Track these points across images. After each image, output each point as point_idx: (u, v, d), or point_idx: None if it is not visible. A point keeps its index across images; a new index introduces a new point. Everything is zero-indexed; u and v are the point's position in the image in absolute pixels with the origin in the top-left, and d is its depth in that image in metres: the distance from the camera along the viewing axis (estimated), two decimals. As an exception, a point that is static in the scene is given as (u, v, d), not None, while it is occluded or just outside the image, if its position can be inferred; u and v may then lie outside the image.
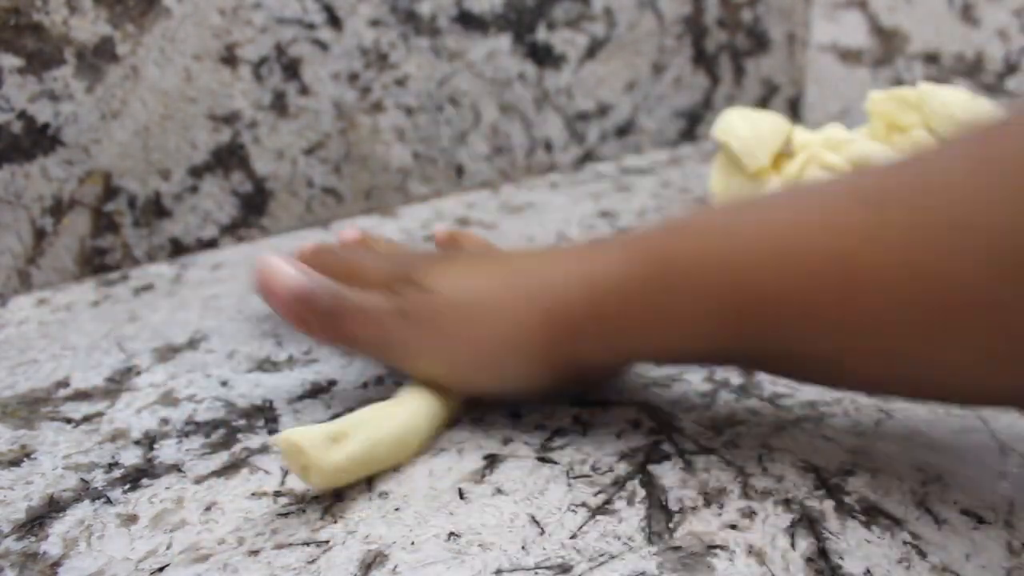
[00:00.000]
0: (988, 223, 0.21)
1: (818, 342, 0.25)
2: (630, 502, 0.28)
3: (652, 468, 0.29)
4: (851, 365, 0.25)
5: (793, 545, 0.26)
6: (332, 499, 0.28)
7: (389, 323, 0.31)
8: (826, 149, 0.50)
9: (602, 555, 0.25)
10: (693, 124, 0.75)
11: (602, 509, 0.27)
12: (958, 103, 0.45)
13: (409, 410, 0.31)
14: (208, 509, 0.28)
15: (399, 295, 0.31)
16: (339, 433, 0.28)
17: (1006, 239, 0.21)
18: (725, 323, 0.26)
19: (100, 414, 0.34)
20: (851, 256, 0.23)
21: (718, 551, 0.25)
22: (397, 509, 0.28)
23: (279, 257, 0.32)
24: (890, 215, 0.23)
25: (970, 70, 0.67)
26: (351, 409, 0.34)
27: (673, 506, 0.27)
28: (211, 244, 0.52)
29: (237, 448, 0.32)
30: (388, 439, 0.29)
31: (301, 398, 0.35)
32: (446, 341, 0.30)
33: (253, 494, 0.29)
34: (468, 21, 0.59)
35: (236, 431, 0.33)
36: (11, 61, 0.44)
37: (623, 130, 0.71)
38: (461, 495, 0.28)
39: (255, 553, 0.26)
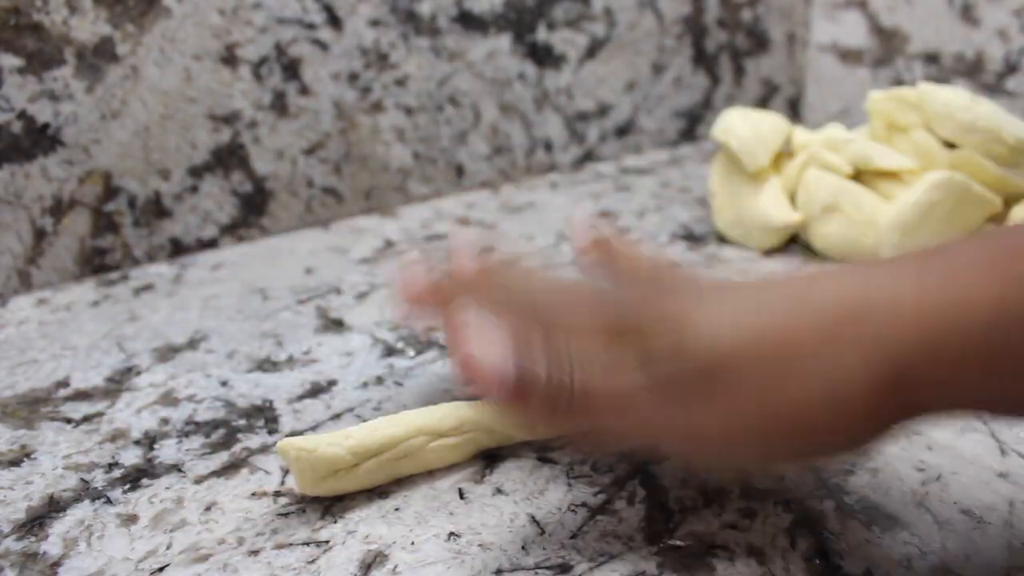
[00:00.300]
0: None
1: None
2: (630, 502, 0.28)
3: (652, 468, 0.29)
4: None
5: (793, 545, 0.26)
6: (332, 499, 0.28)
7: (647, 406, 0.23)
8: (826, 149, 0.50)
9: (602, 555, 0.25)
10: (693, 124, 0.75)
11: (602, 509, 0.27)
12: (958, 103, 0.45)
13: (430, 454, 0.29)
14: (208, 509, 0.28)
15: (652, 360, 0.23)
16: (343, 462, 0.28)
17: None
18: None
19: (100, 414, 0.34)
20: None
21: (718, 551, 0.25)
22: (397, 509, 0.28)
23: (477, 329, 0.24)
24: None
25: (970, 70, 0.67)
26: (351, 409, 0.34)
27: (673, 506, 0.27)
28: (211, 244, 0.52)
29: (237, 448, 0.32)
30: (389, 477, 0.29)
31: (301, 398, 0.35)
32: (741, 412, 0.22)
33: (253, 494, 0.29)
34: (468, 21, 0.59)
35: (236, 431, 0.33)
36: (11, 61, 0.44)
37: (623, 130, 0.71)
38: (461, 495, 0.28)
39: (255, 553, 0.26)
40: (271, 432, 0.33)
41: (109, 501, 0.29)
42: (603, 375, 0.23)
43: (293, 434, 0.32)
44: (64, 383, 0.37)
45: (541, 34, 0.63)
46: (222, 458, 0.31)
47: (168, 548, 0.26)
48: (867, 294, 0.22)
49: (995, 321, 0.21)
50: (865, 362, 0.21)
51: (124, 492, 0.29)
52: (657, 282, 0.27)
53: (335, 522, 0.27)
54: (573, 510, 0.27)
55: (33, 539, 0.27)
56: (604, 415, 0.24)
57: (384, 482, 0.29)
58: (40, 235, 0.47)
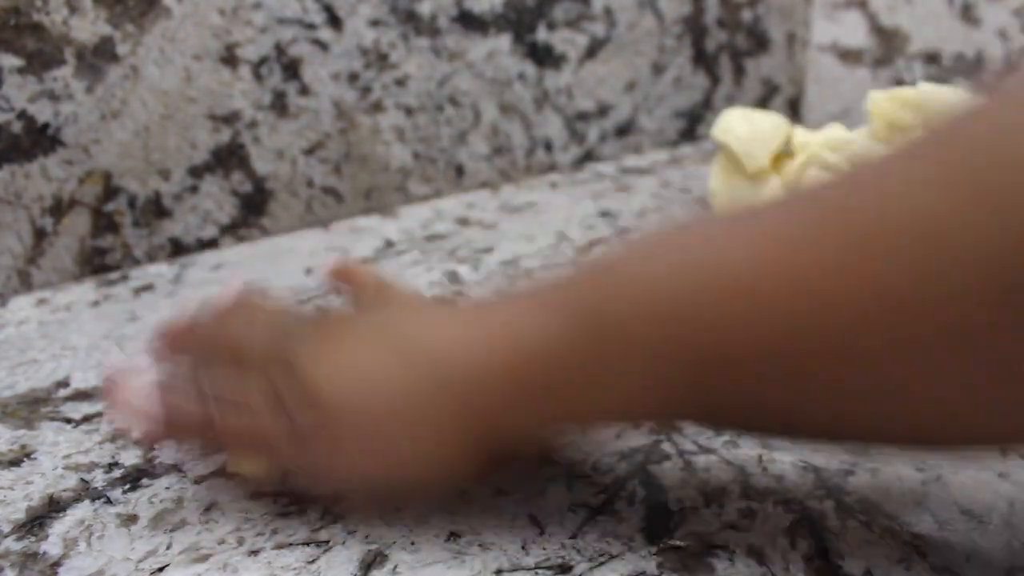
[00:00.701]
0: (964, 242, 0.18)
1: (789, 391, 0.22)
2: (630, 502, 0.28)
3: (652, 468, 0.29)
4: (830, 412, 0.22)
5: (793, 545, 0.26)
6: (332, 499, 0.28)
7: (282, 450, 0.26)
8: (826, 149, 0.50)
9: (602, 555, 0.25)
10: (693, 124, 0.75)
11: (602, 509, 0.27)
12: (958, 103, 0.45)
13: None
14: (208, 509, 0.28)
15: (285, 413, 0.26)
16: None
17: (991, 258, 0.18)
18: (676, 382, 0.23)
19: (100, 414, 0.34)
20: (817, 292, 0.20)
21: (718, 551, 0.25)
22: (397, 509, 0.28)
23: (135, 375, 0.27)
24: (852, 240, 0.20)
25: (970, 70, 0.67)
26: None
27: (673, 506, 0.27)
28: (211, 244, 0.52)
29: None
30: None
31: (301, 398, 0.35)
32: (350, 459, 0.26)
33: (253, 494, 0.29)
34: (468, 21, 0.59)
35: (236, 431, 0.33)
36: (11, 61, 0.44)
37: (623, 130, 0.71)
38: (461, 495, 0.28)
39: (255, 553, 0.26)
40: (271, 432, 0.32)
41: (109, 501, 0.29)
42: (242, 426, 0.26)
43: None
44: (64, 383, 0.37)
45: (541, 34, 0.63)
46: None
47: (168, 548, 0.26)
48: (456, 338, 0.26)
49: (547, 349, 0.24)
50: (449, 401, 0.25)
51: (124, 492, 0.29)
52: (327, 321, 0.29)
53: (335, 522, 0.27)
54: (573, 510, 0.27)
55: (33, 539, 0.27)
56: (238, 447, 0.28)
57: None
58: (40, 235, 0.47)
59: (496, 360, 0.25)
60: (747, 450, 0.30)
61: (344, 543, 0.26)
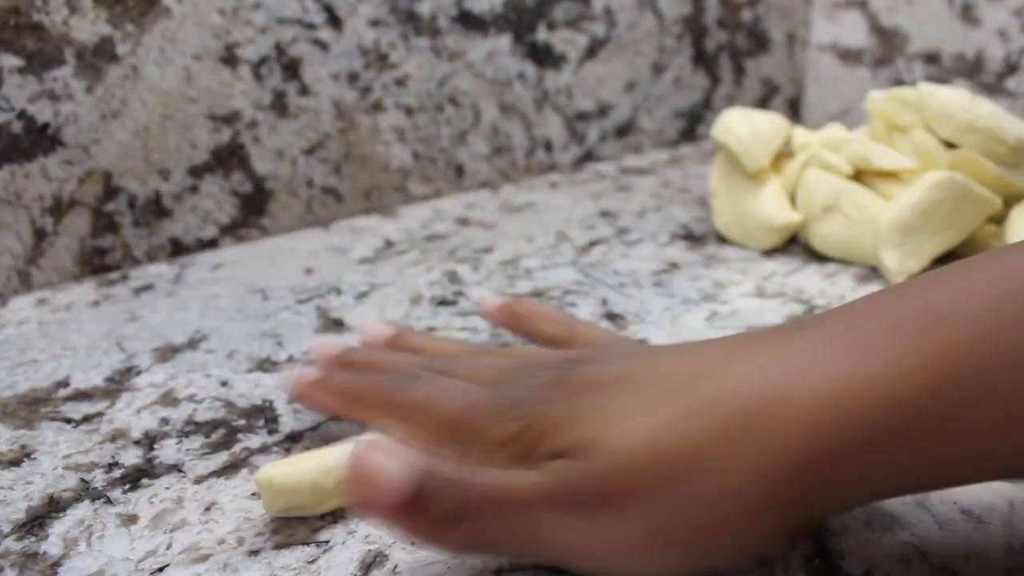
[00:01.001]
0: None
1: None
2: (630, 502, 0.28)
3: (652, 468, 0.29)
4: None
5: (793, 545, 0.26)
6: None
7: (538, 515, 0.21)
8: (826, 149, 0.50)
9: (602, 555, 0.25)
10: (693, 124, 0.75)
11: (602, 509, 0.27)
12: (958, 103, 0.45)
13: None
14: (208, 509, 0.28)
15: (544, 465, 0.22)
16: (311, 502, 0.27)
17: None
18: None
19: (100, 414, 0.34)
20: None
21: (718, 551, 0.25)
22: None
23: (380, 445, 0.21)
24: None
25: (970, 70, 0.67)
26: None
27: (673, 506, 0.27)
28: (211, 244, 0.52)
29: (237, 448, 0.32)
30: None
31: (301, 398, 0.35)
32: (632, 530, 0.21)
33: (253, 494, 0.29)
34: (468, 21, 0.59)
35: (236, 431, 0.33)
36: (11, 61, 0.44)
37: (623, 130, 0.71)
38: (461, 495, 0.28)
39: (255, 553, 0.26)
40: (271, 432, 0.33)
41: (109, 501, 0.29)
42: (502, 480, 0.22)
43: (293, 434, 0.32)
44: (64, 383, 0.37)
45: (541, 34, 0.63)
46: (222, 458, 0.31)
47: (168, 548, 0.26)
48: (765, 383, 0.20)
49: (913, 403, 0.19)
50: (759, 460, 0.20)
51: (124, 492, 0.29)
52: (561, 372, 0.25)
53: (335, 522, 0.27)
54: (573, 510, 0.27)
55: (33, 539, 0.27)
56: (500, 524, 0.22)
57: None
58: (40, 235, 0.47)
59: (833, 416, 0.19)
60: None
61: (344, 543, 0.26)
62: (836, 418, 0.19)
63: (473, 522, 0.21)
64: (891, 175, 0.48)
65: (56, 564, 0.26)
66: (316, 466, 0.27)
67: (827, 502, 0.21)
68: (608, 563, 0.22)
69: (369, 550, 0.26)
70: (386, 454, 0.21)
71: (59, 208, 0.47)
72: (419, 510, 0.21)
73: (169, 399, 0.35)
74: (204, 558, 0.26)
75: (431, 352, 0.31)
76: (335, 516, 0.28)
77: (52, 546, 0.27)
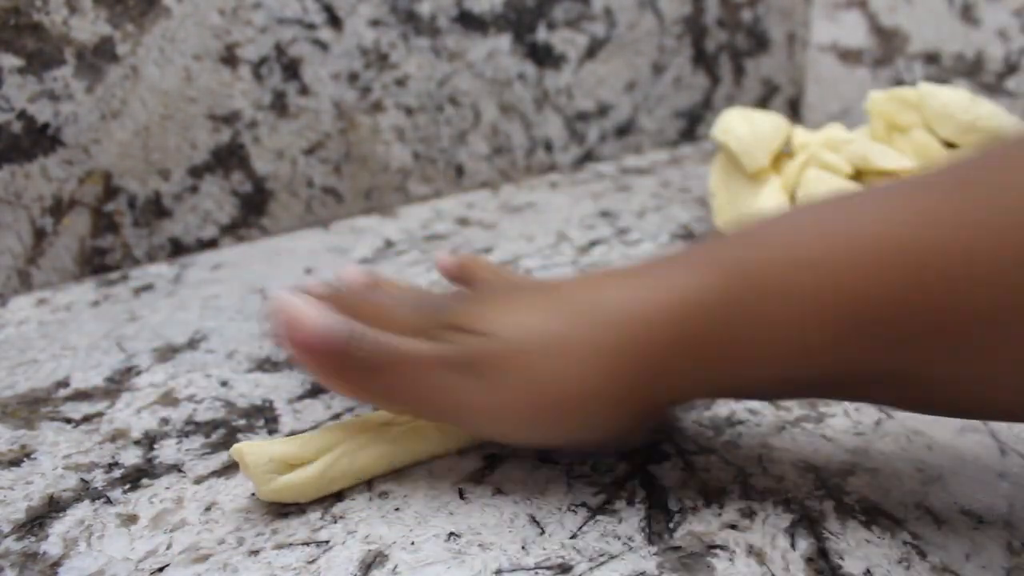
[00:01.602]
0: None
1: (943, 356, 0.22)
2: (630, 502, 0.28)
3: (652, 468, 0.29)
4: (983, 383, 0.23)
5: (793, 545, 0.26)
6: (332, 499, 0.28)
7: (439, 374, 0.27)
8: (826, 149, 0.50)
9: (602, 555, 0.25)
10: (693, 124, 0.75)
11: (602, 509, 0.27)
12: (958, 103, 0.45)
13: (385, 446, 0.29)
14: (208, 509, 0.28)
15: (449, 342, 0.27)
16: (296, 458, 0.28)
17: None
18: (835, 340, 0.23)
19: (100, 414, 0.34)
20: (967, 249, 0.21)
21: (718, 551, 0.25)
22: (397, 509, 0.28)
23: (301, 297, 0.27)
24: (995, 201, 0.21)
25: (970, 70, 0.67)
26: (351, 409, 0.34)
27: (673, 506, 0.27)
28: (211, 244, 0.52)
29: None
30: (347, 474, 0.28)
31: (301, 398, 0.35)
32: (510, 393, 0.26)
33: (253, 494, 0.29)
34: (468, 21, 0.59)
35: (236, 431, 0.33)
36: (11, 61, 0.44)
37: (623, 130, 0.71)
38: (461, 495, 0.28)
39: (255, 553, 0.26)
40: (271, 432, 0.33)
41: (109, 501, 0.29)
42: (405, 345, 0.27)
43: (292, 434, 0.32)
44: (64, 383, 0.37)
45: (541, 34, 0.63)
46: (222, 458, 0.31)
47: (168, 548, 0.26)
48: (613, 296, 0.26)
49: (706, 307, 0.25)
50: (615, 347, 0.25)
51: (124, 492, 0.29)
52: (479, 288, 0.32)
53: (335, 522, 0.27)
54: (573, 510, 0.27)
55: (33, 539, 0.27)
56: (392, 378, 0.27)
57: (347, 485, 0.29)
58: (40, 235, 0.47)
59: (658, 318, 0.25)
60: (747, 450, 0.30)
61: (344, 543, 0.26)
62: (661, 320, 0.25)
63: (387, 375, 0.27)
64: (891, 175, 0.47)
65: (56, 564, 0.26)
66: (289, 440, 0.29)
67: (663, 392, 0.26)
68: (489, 425, 0.27)
69: (369, 550, 0.26)
70: (319, 308, 0.27)
71: (59, 208, 0.47)
72: (338, 354, 0.27)
73: (169, 399, 0.35)
74: (204, 558, 0.26)
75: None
76: (335, 516, 0.28)
77: (52, 546, 0.27)
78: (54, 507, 0.28)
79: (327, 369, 0.28)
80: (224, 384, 0.36)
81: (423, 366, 0.27)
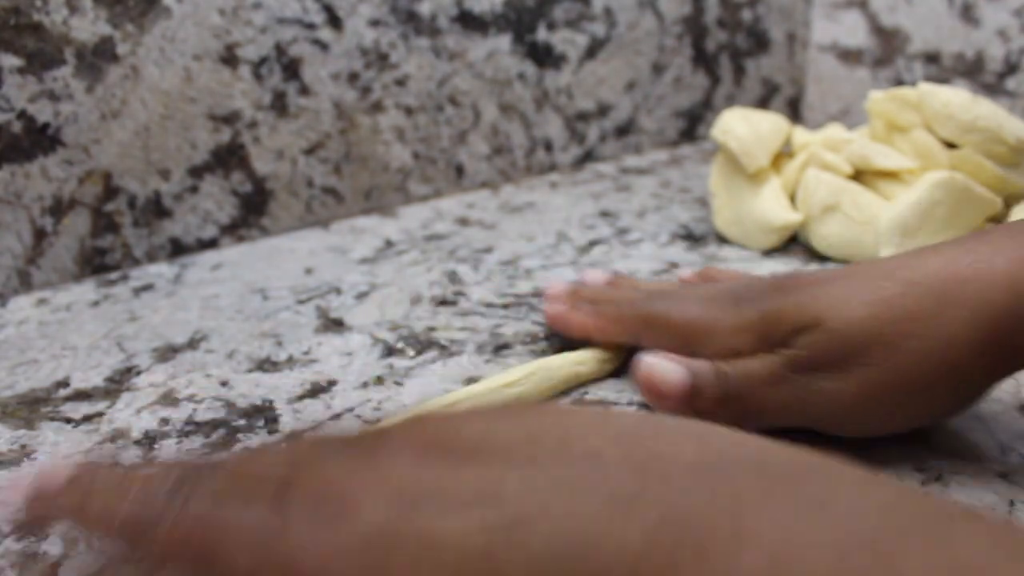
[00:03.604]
0: None
1: None
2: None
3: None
4: None
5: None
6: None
7: (793, 383, 0.28)
8: (826, 149, 0.50)
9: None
10: (693, 124, 0.75)
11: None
12: (958, 103, 0.45)
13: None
14: (208, 509, 0.28)
15: (785, 346, 0.28)
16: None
17: None
18: None
19: (100, 414, 0.34)
20: None
21: (718, 551, 0.25)
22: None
23: (656, 355, 0.31)
24: None
25: (970, 70, 0.67)
26: (351, 409, 0.34)
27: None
28: (211, 244, 0.52)
29: (237, 448, 0.31)
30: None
31: (301, 398, 0.35)
32: (878, 382, 0.27)
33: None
34: (468, 21, 0.59)
35: (236, 431, 0.33)
36: (11, 61, 0.44)
37: (623, 130, 0.71)
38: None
39: (255, 553, 0.26)
40: (271, 432, 0.33)
41: (109, 501, 0.29)
42: (750, 364, 0.29)
43: (293, 434, 0.32)
44: (64, 383, 0.37)
45: (541, 34, 0.63)
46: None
47: (168, 548, 0.26)
48: (966, 264, 0.27)
49: None
50: (967, 321, 0.26)
51: (124, 492, 0.29)
52: (776, 280, 0.31)
53: (335, 522, 0.27)
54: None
55: (33, 539, 0.27)
56: (755, 397, 0.29)
57: None
58: (40, 235, 0.47)
59: (997, 274, 0.26)
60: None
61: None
62: (1002, 286, 0.26)
63: (735, 400, 0.29)
64: (891, 175, 0.48)
65: (56, 564, 0.26)
66: None
67: (1016, 360, 0.27)
68: (859, 419, 0.28)
69: (369, 550, 0.26)
70: (665, 361, 0.30)
71: (59, 208, 0.47)
72: (695, 399, 0.29)
73: (169, 399, 0.35)
74: (204, 558, 0.26)
75: (646, 289, 0.37)
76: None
77: (52, 546, 0.27)
78: (54, 507, 0.28)
79: (692, 413, 0.30)
80: (224, 384, 0.36)
81: (767, 381, 0.29)
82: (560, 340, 0.38)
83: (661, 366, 0.30)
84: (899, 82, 0.72)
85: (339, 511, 0.17)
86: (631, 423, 0.19)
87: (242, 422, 0.33)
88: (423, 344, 0.39)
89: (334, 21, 0.54)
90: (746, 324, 0.30)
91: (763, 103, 0.80)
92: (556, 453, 0.18)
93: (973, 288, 0.26)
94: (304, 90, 0.53)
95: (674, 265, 0.48)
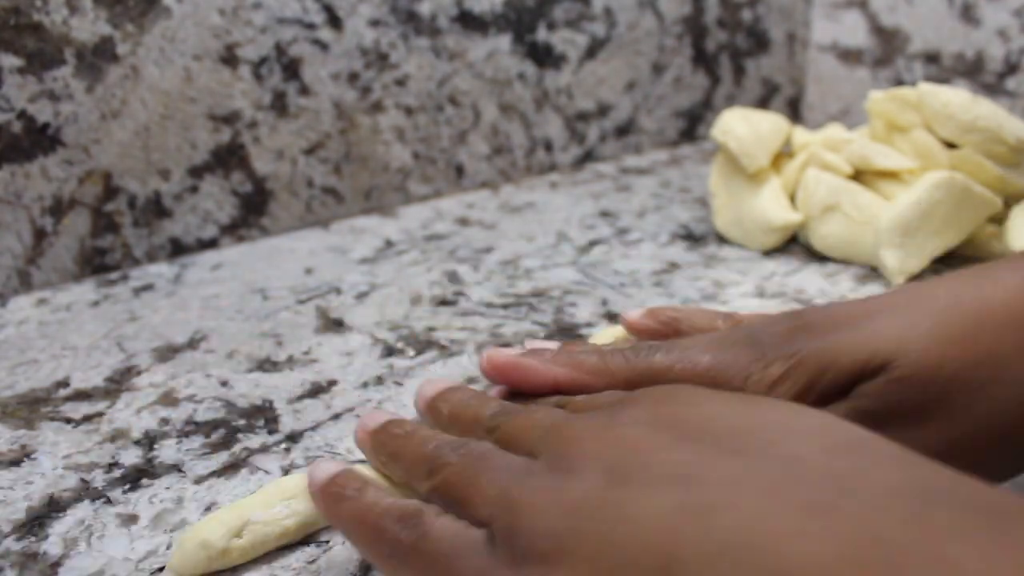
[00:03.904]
0: None
1: None
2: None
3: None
4: None
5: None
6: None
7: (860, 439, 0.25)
8: (826, 149, 0.50)
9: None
10: (693, 124, 0.75)
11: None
12: (958, 103, 0.45)
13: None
14: (208, 509, 0.28)
15: (844, 397, 0.25)
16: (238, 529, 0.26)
17: None
18: None
19: (100, 414, 0.34)
20: None
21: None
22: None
23: None
24: None
25: (970, 70, 0.67)
26: (351, 409, 0.34)
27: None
28: (211, 244, 0.52)
29: (237, 448, 0.32)
30: (281, 537, 0.26)
31: (301, 398, 0.35)
32: (944, 437, 0.24)
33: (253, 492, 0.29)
34: (468, 21, 0.59)
35: (236, 431, 0.33)
36: (11, 61, 0.44)
37: (623, 130, 0.71)
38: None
39: (255, 553, 0.26)
40: (271, 432, 0.33)
41: (109, 501, 0.29)
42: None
43: (292, 435, 0.32)
44: (64, 383, 0.37)
45: (541, 34, 0.63)
46: (222, 458, 0.31)
47: (168, 548, 0.26)
48: (980, 295, 0.24)
49: None
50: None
51: (124, 492, 0.29)
52: (790, 322, 0.26)
53: (335, 522, 0.27)
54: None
55: (33, 539, 0.27)
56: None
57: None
58: (40, 235, 0.47)
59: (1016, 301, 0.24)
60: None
61: (344, 543, 0.26)
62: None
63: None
64: (891, 175, 0.48)
65: (56, 564, 0.26)
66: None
67: None
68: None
69: (369, 550, 0.26)
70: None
71: (59, 208, 0.47)
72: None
73: (169, 399, 0.35)
74: (204, 558, 0.26)
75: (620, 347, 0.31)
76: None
77: (52, 546, 0.27)
78: (54, 507, 0.28)
79: None
80: (224, 384, 0.36)
81: (842, 446, 0.22)
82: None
83: None
84: (899, 82, 0.72)
85: (569, 469, 0.20)
86: (841, 436, 0.19)
87: (242, 422, 0.33)
88: (423, 344, 0.39)
89: (334, 21, 0.54)
90: (781, 372, 0.25)
91: (763, 103, 0.80)
92: (763, 451, 0.18)
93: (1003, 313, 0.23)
94: (304, 90, 0.53)
95: (674, 265, 0.48)
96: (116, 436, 0.32)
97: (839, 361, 0.24)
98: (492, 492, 0.20)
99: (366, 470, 0.26)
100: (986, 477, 0.23)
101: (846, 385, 0.24)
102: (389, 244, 0.52)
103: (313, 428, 0.33)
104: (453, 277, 0.47)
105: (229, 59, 0.50)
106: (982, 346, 0.23)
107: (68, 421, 0.34)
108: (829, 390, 0.24)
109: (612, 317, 0.42)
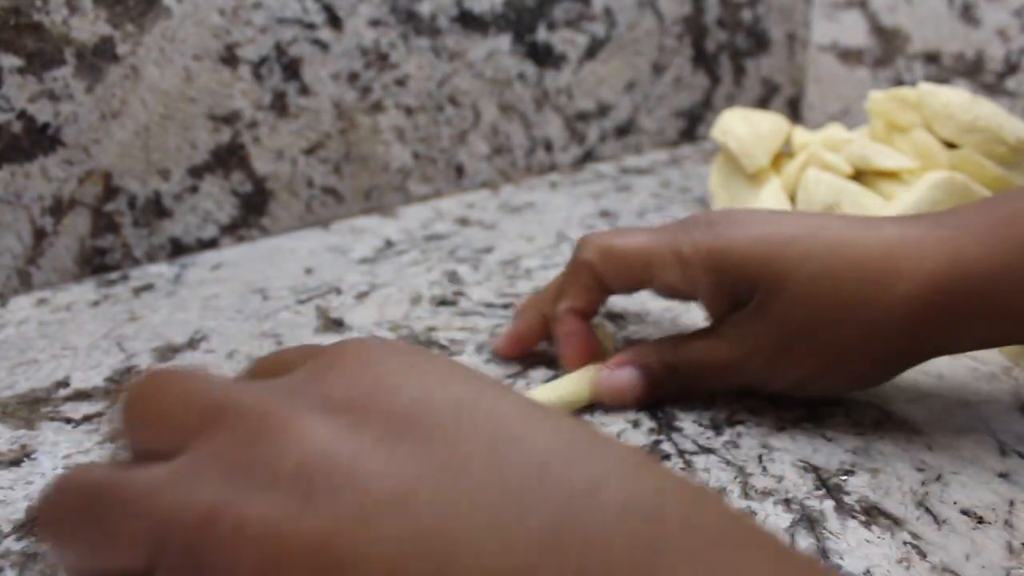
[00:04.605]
0: None
1: None
2: (630, 502, 0.28)
3: (652, 468, 0.29)
4: None
5: (793, 545, 0.26)
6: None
7: (728, 335, 0.31)
8: (826, 149, 0.50)
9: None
10: (693, 124, 0.75)
11: (602, 509, 0.27)
12: (958, 103, 0.45)
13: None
14: (208, 509, 0.28)
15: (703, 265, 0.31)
16: None
17: None
18: None
19: (100, 414, 0.34)
20: None
21: (718, 551, 0.25)
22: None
23: (606, 369, 0.33)
24: None
25: (970, 70, 0.67)
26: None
27: (673, 506, 0.27)
28: (211, 244, 0.52)
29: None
30: None
31: (301, 398, 0.35)
32: (789, 329, 0.29)
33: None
34: (468, 21, 0.59)
35: (236, 431, 0.33)
36: (11, 61, 0.44)
37: (623, 130, 0.71)
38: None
39: (255, 553, 0.26)
40: (271, 432, 0.32)
41: (109, 501, 0.29)
42: (697, 349, 0.32)
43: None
44: (64, 383, 0.37)
45: (541, 34, 0.63)
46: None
47: (168, 548, 0.26)
48: (900, 248, 0.28)
49: (994, 278, 0.27)
50: (899, 298, 0.28)
51: (124, 492, 0.29)
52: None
53: (335, 522, 0.27)
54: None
55: (33, 539, 0.27)
56: (701, 382, 0.33)
57: None
58: (40, 235, 0.47)
59: (940, 268, 0.27)
60: (747, 450, 0.30)
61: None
62: (950, 276, 0.27)
63: (682, 379, 0.32)
64: (891, 175, 0.48)
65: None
66: None
67: (943, 340, 0.29)
68: (769, 369, 0.31)
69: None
70: (618, 372, 0.33)
71: (59, 208, 0.47)
72: (658, 390, 0.33)
73: (169, 399, 0.35)
74: (204, 558, 0.26)
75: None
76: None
77: (52, 546, 0.27)
78: (54, 507, 0.28)
79: (654, 398, 0.34)
80: (224, 384, 0.36)
81: (720, 364, 0.32)
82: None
83: (616, 378, 0.33)
84: (899, 82, 0.72)
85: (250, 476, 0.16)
86: (566, 433, 0.17)
87: (242, 422, 0.33)
88: (423, 344, 0.39)
89: (334, 21, 0.54)
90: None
91: (763, 103, 0.80)
92: (488, 462, 0.16)
93: (905, 271, 0.28)
94: (304, 90, 0.53)
95: (674, 265, 0.48)
96: (116, 436, 0.32)
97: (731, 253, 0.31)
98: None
99: None
100: (819, 370, 0.30)
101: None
102: (389, 244, 0.52)
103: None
104: (453, 277, 0.47)
105: (229, 59, 0.50)
106: (849, 279, 0.28)
107: (68, 421, 0.34)
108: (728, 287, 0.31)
109: (612, 317, 0.42)
